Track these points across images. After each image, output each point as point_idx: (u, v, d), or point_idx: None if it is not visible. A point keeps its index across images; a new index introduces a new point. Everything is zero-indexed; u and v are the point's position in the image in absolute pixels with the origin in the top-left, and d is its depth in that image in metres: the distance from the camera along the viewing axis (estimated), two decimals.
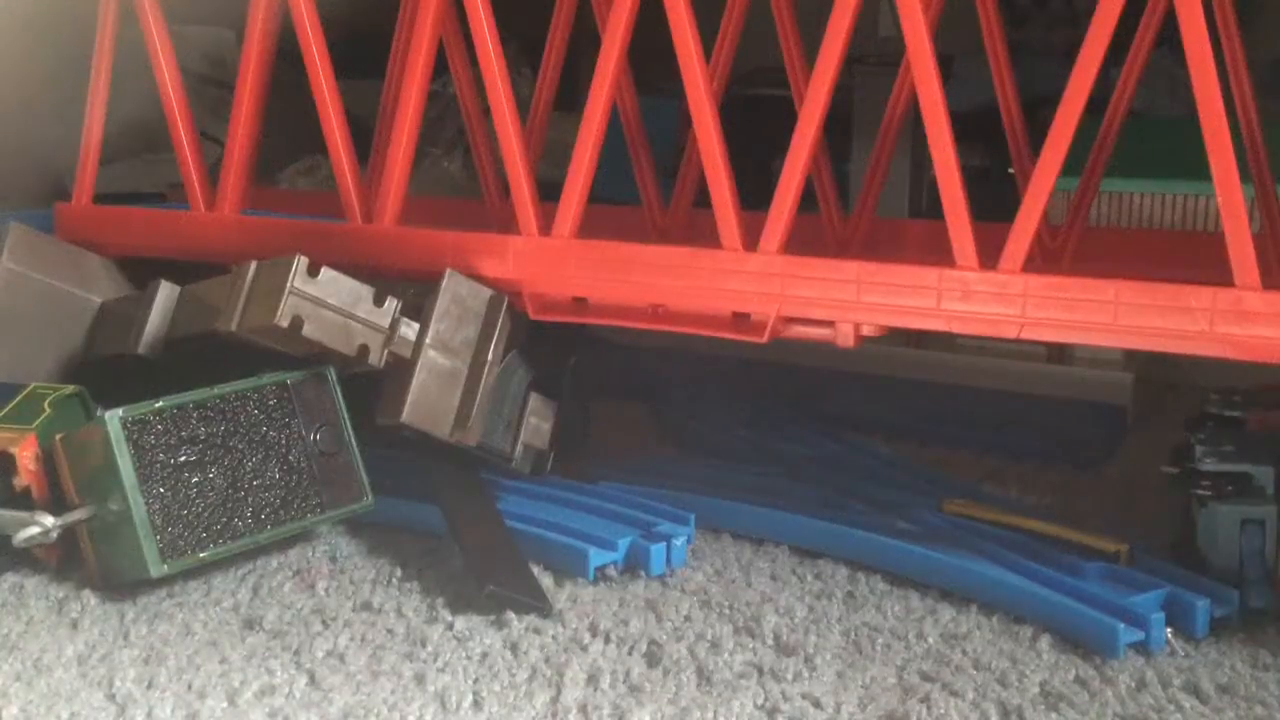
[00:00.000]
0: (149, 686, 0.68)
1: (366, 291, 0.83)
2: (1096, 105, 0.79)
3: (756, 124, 1.27)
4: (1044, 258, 0.98)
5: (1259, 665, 0.71)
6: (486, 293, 0.86)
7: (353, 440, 0.85)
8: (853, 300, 0.79)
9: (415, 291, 0.85)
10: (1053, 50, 1.43)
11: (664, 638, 0.74)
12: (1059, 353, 1.14)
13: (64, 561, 0.82)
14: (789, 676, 0.69)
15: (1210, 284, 0.70)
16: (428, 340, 0.84)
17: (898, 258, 0.82)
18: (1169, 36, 0.80)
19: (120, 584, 0.79)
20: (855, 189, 1.20)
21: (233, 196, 0.99)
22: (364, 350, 0.83)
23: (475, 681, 0.69)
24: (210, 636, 0.74)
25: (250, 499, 0.80)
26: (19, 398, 0.85)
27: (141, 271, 0.99)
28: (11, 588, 0.80)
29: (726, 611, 0.77)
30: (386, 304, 0.83)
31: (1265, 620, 0.75)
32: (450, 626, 0.75)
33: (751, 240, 0.82)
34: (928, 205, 1.45)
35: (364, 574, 0.83)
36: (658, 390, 1.18)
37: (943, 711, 0.66)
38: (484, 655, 0.72)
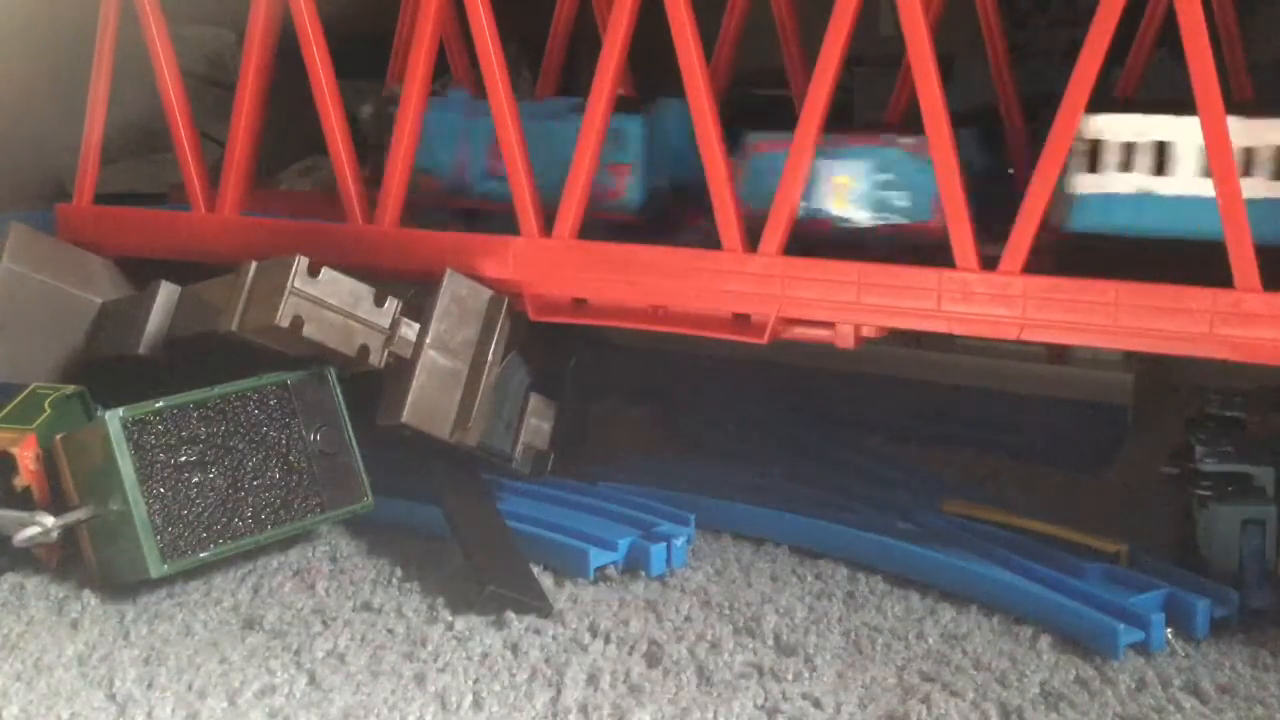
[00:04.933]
0: (149, 686, 0.68)
1: (367, 292, 0.83)
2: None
3: (756, 124, 1.27)
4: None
5: (1259, 665, 0.71)
6: (487, 293, 0.86)
7: (353, 440, 0.85)
8: (853, 301, 0.79)
9: (415, 291, 0.86)
10: (1053, 50, 1.43)
11: (664, 638, 0.74)
12: (1059, 353, 1.13)
13: (64, 561, 0.82)
14: (789, 676, 0.69)
15: (1210, 285, 0.70)
16: (428, 340, 0.84)
17: (898, 259, 0.82)
18: (1169, 37, 0.79)
19: (120, 584, 0.79)
20: None
21: (233, 197, 0.99)
22: (364, 350, 0.83)
23: (475, 681, 0.69)
24: (210, 636, 0.74)
25: (250, 499, 0.80)
26: (19, 398, 0.85)
27: (141, 271, 0.99)
28: (11, 588, 0.80)
29: (726, 611, 0.77)
30: (387, 304, 0.83)
31: (1265, 620, 0.75)
32: (450, 626, 0.75)
33: (752, 241, 0.82)
34: None
35: (364, 574, 0.83)
36: (658, 391, 1.18)
37: (943, 711, 0.66)
38: (484, 655, 0.72)
